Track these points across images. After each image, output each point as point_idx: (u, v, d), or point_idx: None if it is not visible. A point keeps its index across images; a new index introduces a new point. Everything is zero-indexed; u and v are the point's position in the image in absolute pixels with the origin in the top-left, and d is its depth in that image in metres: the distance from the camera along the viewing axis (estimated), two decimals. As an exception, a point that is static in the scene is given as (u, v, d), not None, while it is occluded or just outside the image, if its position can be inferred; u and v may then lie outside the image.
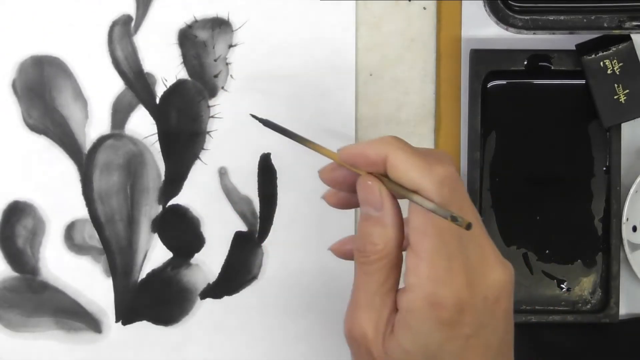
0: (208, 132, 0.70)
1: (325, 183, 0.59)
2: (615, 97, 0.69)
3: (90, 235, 0.71)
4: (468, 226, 0.52)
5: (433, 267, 0.53)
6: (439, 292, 0.53)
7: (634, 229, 0.72)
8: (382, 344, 0.55)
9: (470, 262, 0.54)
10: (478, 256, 0.54)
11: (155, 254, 0.71)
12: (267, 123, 0.62)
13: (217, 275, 0.71)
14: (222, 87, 0.70)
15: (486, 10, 0.65)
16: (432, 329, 0.54)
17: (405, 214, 0.56)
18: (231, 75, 0.70)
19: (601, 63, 0.69)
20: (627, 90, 0.69)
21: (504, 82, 0.71)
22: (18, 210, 0.70)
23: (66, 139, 0.70)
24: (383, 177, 0.55)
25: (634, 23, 0.65)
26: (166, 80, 0.70)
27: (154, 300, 0.71)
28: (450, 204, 0.53)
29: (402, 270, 0.56)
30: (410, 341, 0.54)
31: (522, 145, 0.71)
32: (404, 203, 0.55)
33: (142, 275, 0.71)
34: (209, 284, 0.71)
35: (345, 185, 0.58)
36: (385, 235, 0.56)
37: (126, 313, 0.71)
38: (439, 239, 0.53)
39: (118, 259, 0.71)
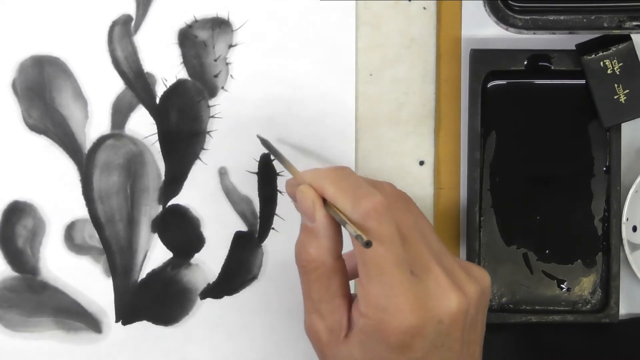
0: (208, 132, 0.70)
1: (289, 196, 0.62)
2: (615, 97, 0.69)
3: (90, 235, 0.71)
4: (366, 244, 0.54)
5: (376, 296, 0.56)
6: (385, 319, 0.55)
7: (634, 229, 0.72)
8: (334, 347, 0.58)
9: (422, 288, 0.56)
10: (433, 282, 0.57)
11: (155, 254, 0.71)
12: (264, 142, 0.66)
13: (217, 275, 0.71)
14: (222, 87, 0.70)
15: (486, 10, 0.65)
16: (381, 351, 0.56)
17: None
18: (231, 75, 0.70)
19: (601, 63, 0.69)
20: (627, 90, 0.69)
21: (504, 82, 0.71)
22: (18, 210, 0.70)
23: (66, 139, 0.70)
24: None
25: (634, 23, 0.65)
26: (166, 80, 0.70)
27: (154, 300, 0.71)
28: (380, 235, 0.55)
29: (348, 275, 0.59)
30: (360, 355, 0.57)
31: (522, 145, 0.71)
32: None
33: (142, 275, 0.71)
34: (209, 284, 0.71)
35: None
36: (319, 246, 0.58)
37: (126, 313, 0.71)
38: (378, 269, 0.56)
39: (118, 259, 0.71)
